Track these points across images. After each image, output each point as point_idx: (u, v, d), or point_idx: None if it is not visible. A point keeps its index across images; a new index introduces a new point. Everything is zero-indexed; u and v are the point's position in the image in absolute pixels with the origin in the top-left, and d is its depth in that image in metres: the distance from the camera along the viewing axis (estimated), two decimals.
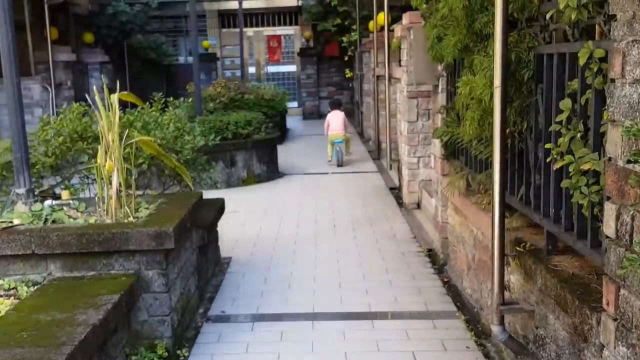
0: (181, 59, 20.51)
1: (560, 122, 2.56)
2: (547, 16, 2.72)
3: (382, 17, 9.73)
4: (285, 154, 11.27)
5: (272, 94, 12.74)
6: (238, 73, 17.83)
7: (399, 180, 7.84)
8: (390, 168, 8.71)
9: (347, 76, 17.77)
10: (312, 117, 19.18)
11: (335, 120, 10.47)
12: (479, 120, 3.21)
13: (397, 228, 6.23)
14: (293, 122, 17.77)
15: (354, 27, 15.57)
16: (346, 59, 17.04)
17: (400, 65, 7.58)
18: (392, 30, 8.32)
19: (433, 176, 5.35)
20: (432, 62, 4.39)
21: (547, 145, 2.72)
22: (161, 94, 5.23)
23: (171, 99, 5.53)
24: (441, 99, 4.80)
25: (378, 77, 10.42)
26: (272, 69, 21.14)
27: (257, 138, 9.04)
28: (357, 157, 11.17)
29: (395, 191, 7.96)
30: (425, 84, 5.70)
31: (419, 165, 6.89)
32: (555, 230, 2.71)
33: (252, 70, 21.14)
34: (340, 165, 10.21)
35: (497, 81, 2.77)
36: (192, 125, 5.12)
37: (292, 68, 21.07)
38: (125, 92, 3.98)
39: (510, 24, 2.95)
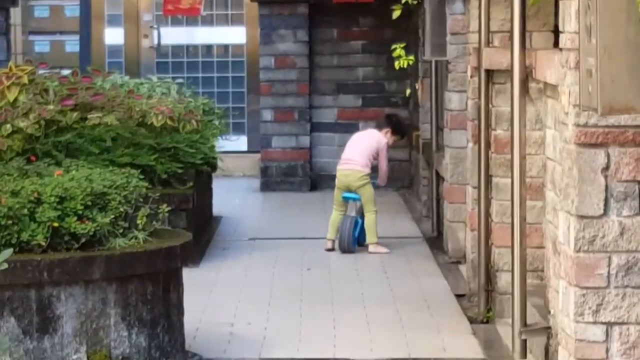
0: None
1: None
2: None
3: None
4: (208, 294, 9.20)
5: (174, 111, 10.84)
6: (73, 48, 16.00)
7: None
8: (527, 354, 7.54)
9: (396, 66, 15.01)
10: (289, 183, 15.52)
11: (358, 143, 10.74)
12: None
13: None
14: (234, 196, 14.69)
15: None
16: (395, 16, 14.51)
17: (557, 47, 6.89)
18: None
19: None
20: None
21: None
22: None
23: None
24: None
25: (490, 73, 8.72)
26: (173, 35, 18.28)
27: (125, 249, 7.35)
28: (422, 306, 9.18)
29: None
30: (633, 110, 5.58)
31: (609, 348, 5.79)
32: None
33: (115, 39, 18.00)
34: (347, 251, 10.12)
35: None
36: None
37: (236, 36, 18.28)
38: None
39: None
